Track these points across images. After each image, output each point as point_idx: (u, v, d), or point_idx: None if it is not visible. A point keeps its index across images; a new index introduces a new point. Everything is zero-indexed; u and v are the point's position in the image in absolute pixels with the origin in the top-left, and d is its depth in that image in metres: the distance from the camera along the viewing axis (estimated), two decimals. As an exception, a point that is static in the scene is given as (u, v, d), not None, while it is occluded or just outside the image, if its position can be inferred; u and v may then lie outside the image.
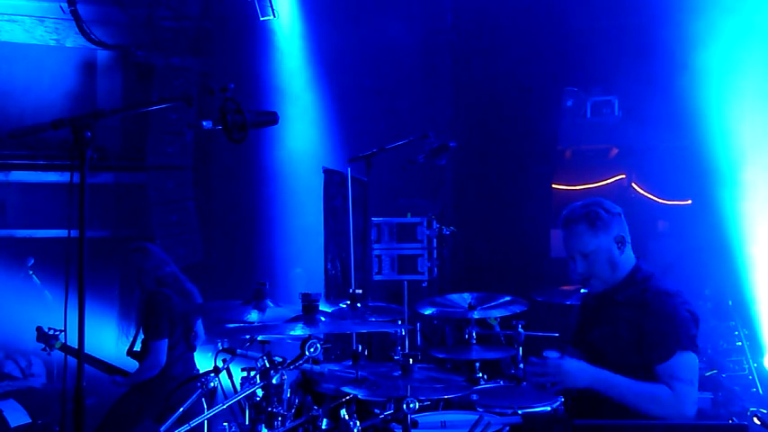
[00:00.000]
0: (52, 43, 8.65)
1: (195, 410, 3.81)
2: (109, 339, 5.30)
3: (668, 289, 3.39)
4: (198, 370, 5.15)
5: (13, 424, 6.20)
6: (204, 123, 2.98)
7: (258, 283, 3.93)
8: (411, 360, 3.69)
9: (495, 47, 7.82)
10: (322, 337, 3.97)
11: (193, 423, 3.47)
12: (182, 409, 3.77)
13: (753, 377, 6.08)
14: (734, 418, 5.20)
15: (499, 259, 7.80)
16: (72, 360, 2.96)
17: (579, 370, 3.32)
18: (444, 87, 8.31)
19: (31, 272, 7.28)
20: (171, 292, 5.14)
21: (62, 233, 2.68)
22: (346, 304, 4.27)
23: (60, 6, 8.35)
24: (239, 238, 8.36)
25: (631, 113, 8.59)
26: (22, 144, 8.45)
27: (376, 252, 6.31)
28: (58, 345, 5.01)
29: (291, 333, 3.58)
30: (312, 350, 3.43)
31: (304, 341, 3.44)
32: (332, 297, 6.28)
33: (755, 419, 4.09)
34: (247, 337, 3.93)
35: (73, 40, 8.59)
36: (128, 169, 8.77)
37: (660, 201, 8.56)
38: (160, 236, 8.05)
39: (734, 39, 6.55)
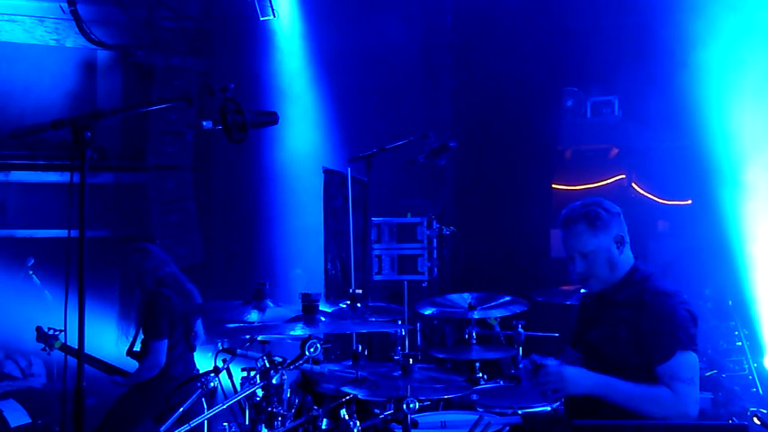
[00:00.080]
0: (52, 43, 8.64)
1: (195, 410, 3.82)
2: (109, 339, 5.29)
3: (666, 289, 3.39)
4: (198, 370, 5.15)
5: (13, 424, 6.20)
6: (204, 123, 2.98)
7: (258, 283, 3.92)
8: (411, 360, 3.69)
9: (495, 47, 7.81)
10: (322, 337, 3.96)
11: (193, 423, 3.47)
12: (182, 409, 3.77)
13: (753, 377, 6.08)
14: (734, 418, 5.20)
15: (499, 259, 7.80)
16: (72, 360, 2.96)
17: (579, 377, 3.32)
18: (444, 87, 8.31)
19: (31, 272, 7.27)
20: (171, 292, 5.14)
21: (62, 233, 2.68)
22: (346, 304, 4.26)
23: (60, 6, 8.34)
24: (239, 238, 8.36)
25: (631, 113, 8.59)
26: (22, 144, 8.45)
27: (376, 252, 6.31)
28: (57, 345, 5.01)
29: (291, 333, 3.58)
30: (312, 350, 3.43)
31: (304, 341, 3.45)
32: (332, 297, 6.28)
33: (755, 419, 4.08)
34: (247, 337, 3.93)
35: (73, 40, 8.59)
36: (128, 169, 8.76)
37: (660, 201, 8.56)
38: (160, 236, 8.04)
39: (734, 37, 6.53)
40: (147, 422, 4.85)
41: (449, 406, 4.37)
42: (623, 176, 8.76)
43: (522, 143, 7.98)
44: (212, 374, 3.86)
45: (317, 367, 3.64)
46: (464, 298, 5.37)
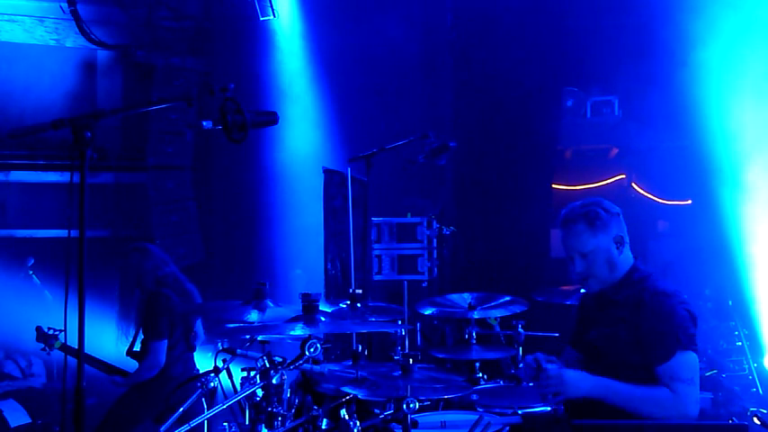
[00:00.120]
0: (52, 43, 8.64)
1: (195, 410, 3.82)
2: (109, 339, 5.29)
3: (665, 289, 3.39)
4: (198, 370, 5.15)
5: (13, 424, 6.20)
6: (204, 123, 2.98)
7: (258, 283, 3.92)
8: (411, 360, 3.68)
9: (495, 47, 7.80)
10: (322, 337, 3.96)
11: (193, 423, 3.47)
12: (182, 409, 3.77)
13: (753, 377, 6.08)
14: (734, 418, 5.20)
15: (499, 259, 7.79)
16: (72, 360, 2.96)
17: (580, 380, 3.32)
18: (444, 87, 8.30)
19: (31, 272, 7.27)
20: (171, 292, 5.14)
21: (62, 233, 2.68)
22: (346, 304, 4.26)
23: (60, 6, 8.34)
24: (239, 238, 8.36)
25: (631, 113, 8.59)
26: (22, 144, 8.45)
27: (376, 252, 6.31)
28: (57, 345, 5.01)
29: (291, 333, 3.59)
30: (312, 350, 3.43)
31: (304, 341, 3.45)
32: (332, 297, 6.28)
33: (755, 419, 4.08)
34: (247, 337, 3.93)
35: (73, 40, 8.59)
36: (128, 169, 8.76)
37: (660, 201, 8.55)
38: (160, 236, 8.05)
39: (734, 37, 6.53)
40: (147, 422, 4.85)
41: (449, 406, 4.37)
42: (623, 176, 8.76)
43: (521, 143, 7.97)
44: (212, 374, 3.86)
45: (317, 367, 3.64)
46: (464, 298, 5.37)
